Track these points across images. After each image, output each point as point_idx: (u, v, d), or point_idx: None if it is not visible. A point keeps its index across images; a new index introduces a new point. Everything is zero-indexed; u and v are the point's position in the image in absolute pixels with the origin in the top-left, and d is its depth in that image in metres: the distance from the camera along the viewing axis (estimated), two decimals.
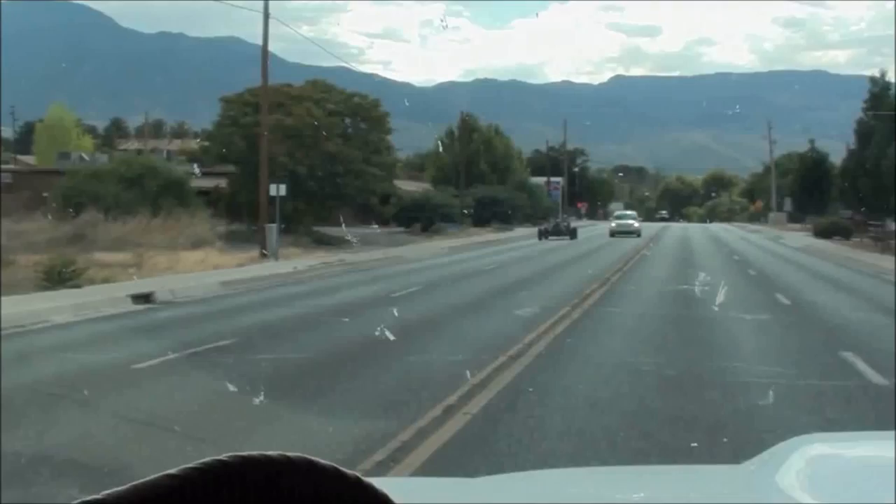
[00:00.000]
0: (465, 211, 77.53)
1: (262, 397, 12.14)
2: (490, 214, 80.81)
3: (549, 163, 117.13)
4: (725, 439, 10.27)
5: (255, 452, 1.16)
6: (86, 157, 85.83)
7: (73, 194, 55.23)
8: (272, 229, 42.98)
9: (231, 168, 66.14)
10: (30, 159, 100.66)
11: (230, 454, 1.15)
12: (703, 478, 3.41)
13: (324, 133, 61.74)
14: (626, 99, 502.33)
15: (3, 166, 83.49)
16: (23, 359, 14.74)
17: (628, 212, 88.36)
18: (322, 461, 1.16)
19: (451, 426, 10.92)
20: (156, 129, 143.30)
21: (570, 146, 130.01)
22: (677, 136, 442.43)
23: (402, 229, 74.23)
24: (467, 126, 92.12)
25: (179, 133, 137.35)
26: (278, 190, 41.71)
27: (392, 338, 17.47)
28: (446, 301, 25.22)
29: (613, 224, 77.76)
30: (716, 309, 23.39)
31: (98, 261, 41.50)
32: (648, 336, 19.25)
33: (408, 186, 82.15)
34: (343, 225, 58.38)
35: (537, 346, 17.08)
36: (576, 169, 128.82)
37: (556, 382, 13.76)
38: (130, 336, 18.92)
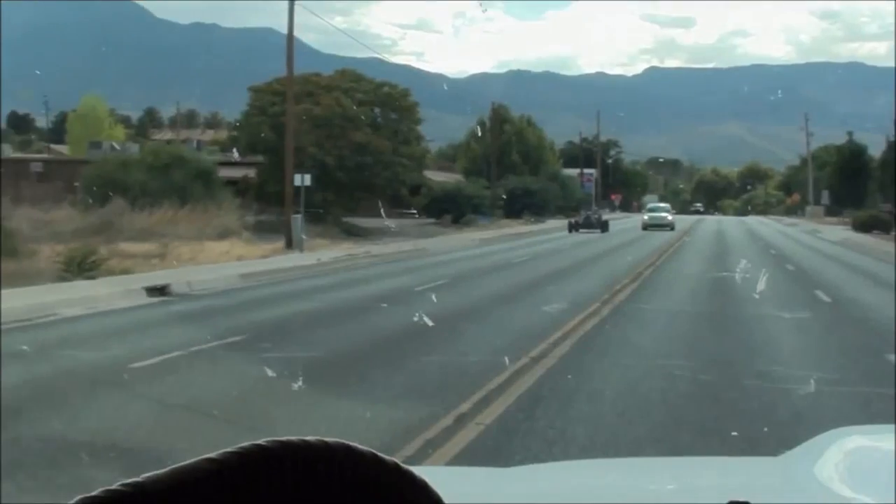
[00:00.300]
0: (497, 202, 76.54)
1: (272, 392, 11.25)
2: (522, 206, 79.73)
3: (582, 154, 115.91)
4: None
5: (294, 437, 1.15)
6: (117, 146, 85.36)
7: (100, 184, 54.57)
8: (297, 220, 42.15)
9: (260, 158, 65.45)
10: (64, 149, 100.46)
11: (269, 439, 1.14)
12: (741, 468, 3.43)
13: (353, 123, 60.91)
14: (660, 90, 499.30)
15: (35, 156, 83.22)
16: (11, 357, 13.88)
17: (661, 204, 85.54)
18: (361, 447, 1.16)
19: (462, 436, 10.01)
20: (189, 120, 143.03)
21: (603, 138, 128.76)
22: (712, 128, 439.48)
23: (432, 221, 73.35)
24: (498, 116, 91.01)
25: (212, 123, 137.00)
26: (303, 180, 40.85)
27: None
28: (471, 296, 24.30)
29: (646, 217, 74.91)
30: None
31: (122, 251, 40.94)
32: (681, 336, 18.27)
33: (438, 177, 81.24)
34: (382, 211, 57.56)
35: (562, 346, 16.13)
36: (609, 160, 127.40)
37: (581, 387, 12.83)
38: (135, 332, 18.13)
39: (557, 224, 76.15)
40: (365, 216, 72.25)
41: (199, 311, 21.88)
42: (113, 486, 1.08)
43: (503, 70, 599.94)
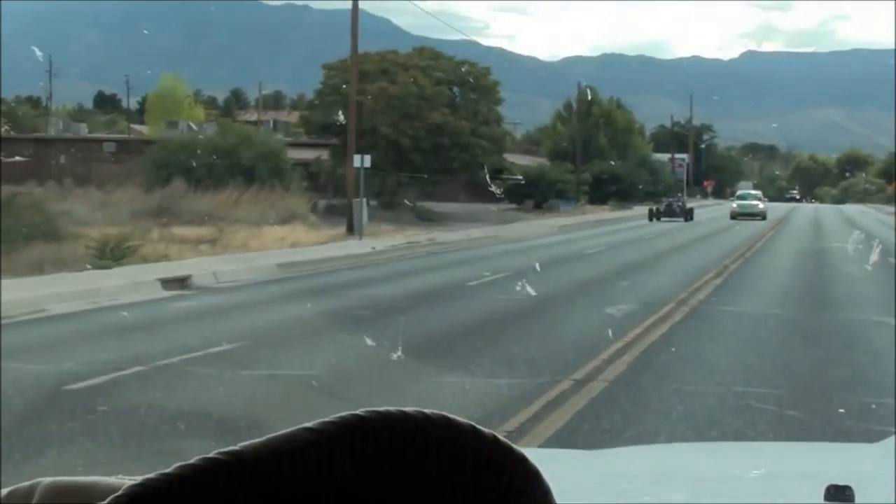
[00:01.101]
0: (581, 188, 73.24)
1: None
2: (608, 192, 76.36)
3: (673, 138, 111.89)
4: None
5: (392, 408, 1.14)
6: (194, 126, 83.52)
7: (164, 165, 52.49)
8: (360, 204, 39.38)
9: (334, 140, 63.04)
10: (146, 130, 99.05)
11: (368, 409, 1.14)
12: (840, 454, 3.47)
13: (429, 102, 58.10)
14: (757, 75, 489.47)
15: (108, 136, 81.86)
16: None
17: (752, 191, 78.67)
18: (460, 419, 1.14)
19: None
20: (276, 101, 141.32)
21: (696, 122, 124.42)
22: (810, 113, 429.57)
23: (514, 206, 70.37)
24: (585, 98, 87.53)
25: (298, 105, 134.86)
26: (362, 161, 37.93)
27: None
28: (528, 293, 21.37)
29: (735, 205, 69.28)
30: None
31: (174, 235, 38.85)
32: (767, 350, 15.13)
33: (522, 161, 78.08)
34: (462, 195, 54.97)
35: (617, 364, 13.15)
36: (702, 145, 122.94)
37: (629, 426, 9.86)
38: (102, 338, 15.53)
39: (644, 211, 72.76)
40: (443, 201, 69.63)
41: (202, 310, 19.32)
42: (210, 455, 1.07)
43: (597, 53, 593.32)
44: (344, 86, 58.97)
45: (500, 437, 1.15)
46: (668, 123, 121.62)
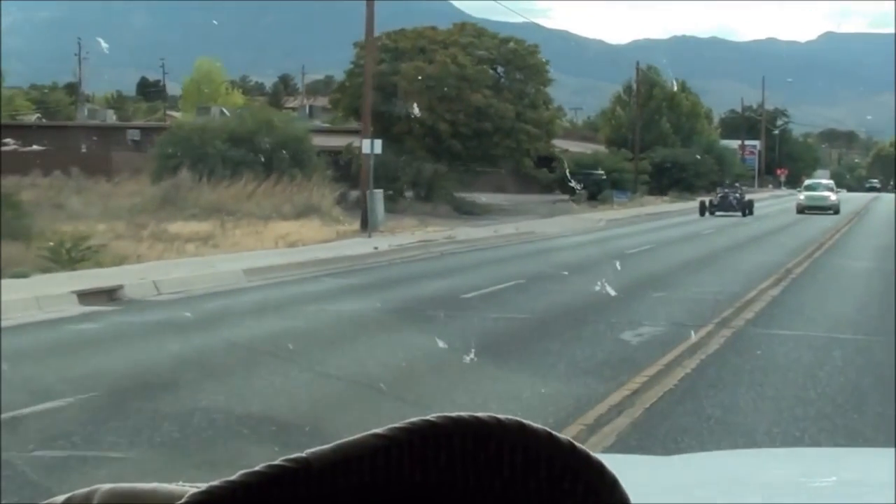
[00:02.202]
0: (640, 177, 68.05)
1: None
2: (670, 181, 71.02)
3: (744, 124, 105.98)
4: None
5: (464, 413, 1.12)
6: (227, 112, 79.61)
7: (172, 153, 48.22)
8: (376, 196, 34.77)
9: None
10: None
11: (439, 415, 1.12)
12: None
13: (470, 83, 53.33)
14: (836, 58, 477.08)
15: (132, 123, 78.44)
16: None
17: (823, 180, 69.33)
18: (535, 425, 1.11)
19: None
20: (326, 87, 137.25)
21: (769, 106, 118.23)
22: (892, 98, 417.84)
23: (566, 197, 65.42)
24: (648, 80, 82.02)
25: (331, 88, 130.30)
26: (372, 147, 32.94)
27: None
28: (531, 308, 16.76)
29: (801, 197, 60.00)
30: None
31: (165, 233, 34.70)
32: (832, 391, 10.34)
33: (576, 148, 73.04)
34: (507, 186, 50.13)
35: (622, 419, 8.50)
36: (775, 131, 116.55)
37: None
38: None
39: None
40: (489, 191, 64.85)
41: (92, 338, 14.81)
42: (276, 462, 1.05)
43: (667, 36, 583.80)
44: (381, 63, 54.50)
45: (577, 444, 1.11)
46: (738, 108, 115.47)
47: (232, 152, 48.27)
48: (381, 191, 36.26)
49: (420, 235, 32.53)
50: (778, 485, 2.88)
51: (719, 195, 55.99)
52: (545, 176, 58.73)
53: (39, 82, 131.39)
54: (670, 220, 47.13)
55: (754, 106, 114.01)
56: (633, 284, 19.92)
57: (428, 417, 1.10)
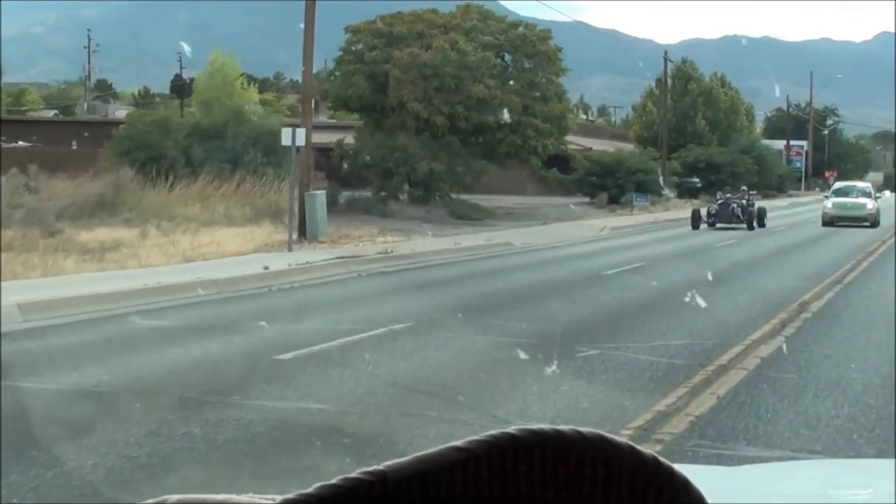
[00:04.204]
0: (670, 178, 61.52)
1: None
2: (705, 182, 64.32)
3: (790, 123, 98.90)
4: None
5: (545, 426, 1.10)
6: (252, 110, 74.24)
7: (130, 148, 42.58)
8: (315, 199, 28.59)
9: (355, 117, 52.81)
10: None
11: (519, 427, 1.09)
12: None
13: (472, 72, 47.17)
14: (891, 58, 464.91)
15: (118, 118, 73.28)
16: None
17: (858, 183, 55.24)
18: (617, 438, 1.09)
19: None
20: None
21: (819, 105, 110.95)
22: None
23: (586, 200, 59.09)
24: (681, 74, 75.29)
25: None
26: (293, 138, 26.23)
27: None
28: (353, 389, 10.49)
29: (829, 205, 46.63)
30: None
31: (74, 241, 29.14)
32: None
33: (606, 147, 66.60)
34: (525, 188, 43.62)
35: None
36: (824, 131, 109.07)
37: None
38: None
39: None
40: (503, 193, 58.72)
41: None
42: (352, 474, 1.05)
43: (718, 35, 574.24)
44: (374, 50, 48.51)
45: (661, 459, 1.08)
46: (784, 106, 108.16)
47: (195, 148, 42.61)
48: (322, 192, 30.20)
49: (362, 248, 26.34)
50: (856, 496, 2.77)
51: (719, 202, 43.86)
52: (554, 176, 52.32)
53: (75, 80, 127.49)
54: (686, 228, 40.08)
55: (802, 105, 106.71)
56: (569, 331, 13.61)
57: (508, 430, 1.06)
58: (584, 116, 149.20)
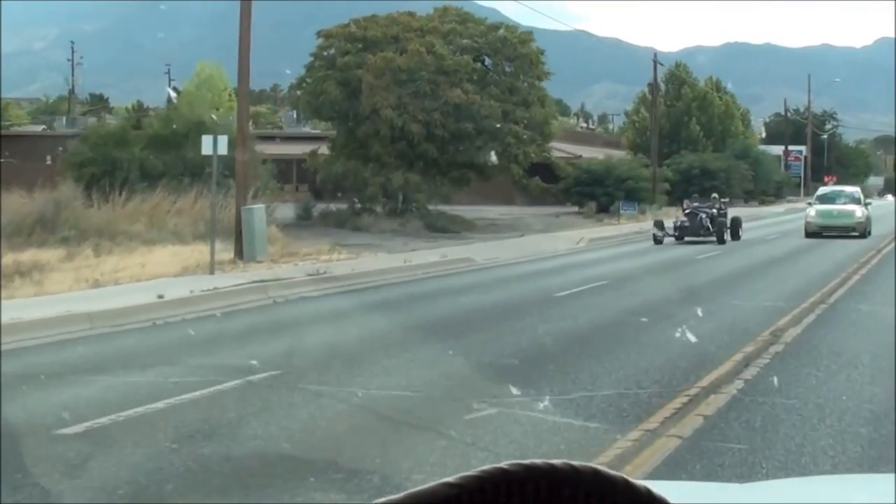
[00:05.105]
0: (662, 185, 59.08)
1: None
2: (699, 189, 61.83)
3: (789, 128, 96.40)
4: None
5: (538, 461, 1.10)
6: (216, 118, 71.96)
7: (84, 162, 40.28)
8: (253, 214, 26.17)
9: (327, 125, 50.46)
10: None
11: (511, 462, 1.10)
12: None
13: (449, 77, 44.83)
14: (891, 63, 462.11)
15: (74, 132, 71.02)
16: None
17: (846, 188, 48.67)
18: (611, 472, 1.09)
19: None
20: None
21: (818, 110, 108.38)
22: None
23: (575, 210, 56.71)
24: (674, 78, 72.80)
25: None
26: (215, 146, 23.83)
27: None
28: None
29: (812, 213, 41.26)
30: None
31: None
32: None
33: (597, 154, 64.14)
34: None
35: None
36: (823, 136, 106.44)
37: None
38: None
39: (738, 213, 58.44)
40: (490, 204, 56.41)
41: None
42: None
43: (719, 42, 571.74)
44: (346, 55, 46.15)
45: (654, 492, 1.07)
46: (789, 115, 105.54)
47: (152, 161, 40.22)
48: (261, 206, 27.71)
49: (294, 269, 23.81)
50: None
51: (686, 211, 38.27)
52: (537, 185, 49.85)
53: (80, 94, 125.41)
54: (669, 238, 36.34)
55: (801, 109, 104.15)
56: (475, 377, 11.17)
57: (500, 465, 1.06)
58: (584, 125, 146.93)
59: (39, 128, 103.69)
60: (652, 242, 34.97)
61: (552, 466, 1.04)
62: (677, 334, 13.67)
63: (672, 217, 42.07)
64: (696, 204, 38.92)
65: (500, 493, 1.02)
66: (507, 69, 48.09)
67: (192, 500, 7.07)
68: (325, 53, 47.58)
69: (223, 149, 23.69)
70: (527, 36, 48.74)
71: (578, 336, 14.55)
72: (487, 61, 48.52)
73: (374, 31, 46.99)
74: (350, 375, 11.18)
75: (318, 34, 48.53)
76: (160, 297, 17.88)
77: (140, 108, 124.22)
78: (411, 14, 49.00)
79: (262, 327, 15.99)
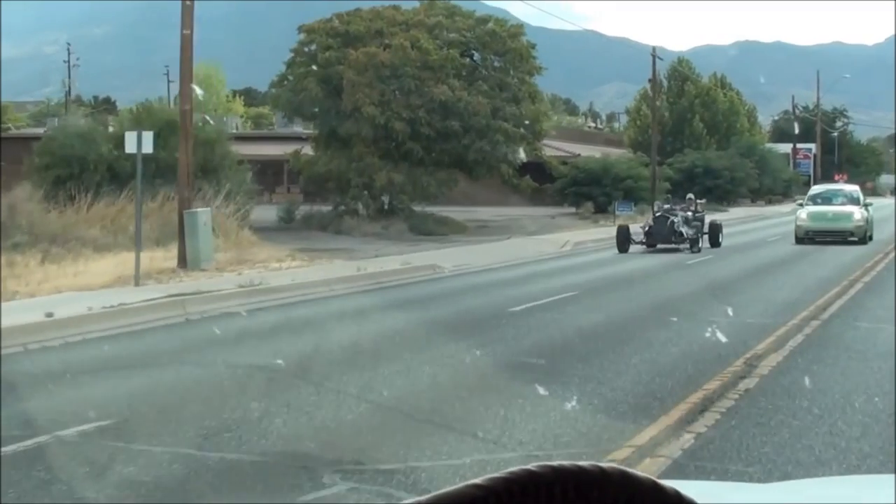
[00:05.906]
0: (663, 184, 56.84)
1: None
2: (701, 189, 59.68)
3: (799, 126, 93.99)
4: None
5: (566, 462, 1.10)
6: (210, 119, 70.16)
7: (49, 164, 38.32)
8: (197, 218, 24.08)
9: (309, 126, 48.40)
10: None
11: (539, 464, 1.09)
12: None
13: (435, 73, 42.77)
14: None
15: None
16: None
17: (844, 186, 43.89)
18: (639, 473, 1.09)
19: None
20: None
21: (828, 107, 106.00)
22: None
23: (572, 210, 54.63)
24: (677, 75, 70.56)
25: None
26: (139, 143, 21.65)
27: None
28: None
29: (803, 215, 36.74)
30: None
31: None
32: None
33: (591, 152, 61.99)
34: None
35: None
36: (834, 133, 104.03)
37: None
38: None
39: (742, 213, 56.31)
40: (485, 205, 54.38)
41: None
42: None
43: (730, 41, 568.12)
44: (328, 51, 44.10)
45: (683, 494, 1.07)
46: (799, 112, 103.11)
47: (121, 162, 38.21)
48: (206, 210, 25.68)
49: (224, 280, 21.64)
50: None
51: (656, 214, 34.42)
52: (527, 185, 47.69)
53: (85, 97, 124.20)
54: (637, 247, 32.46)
55: (810, 107, 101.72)
56: (351, 434, 9.03)
57: (528, 466, 1.06)
58: (591, 124, 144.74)
59: (40, 130, 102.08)
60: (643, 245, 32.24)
61: (580, 468, 1.02)
62: (633, 361, 11.42)
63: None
64: (667, 206, 35.01)
65: (528, 495, 0.99)
66: (497, 64, 46.01)
67: None
68: (307, 49, 45.59)
69: (148, 147, 21.67)
70: (517, 29, 46.67)
71: (511, 366, 12.09)
72: (476, 56, 46.45)
73: (357, 25, 44.96)
74: (187, 429, 8.98)
75: (300, 29, 46.52)
76: (48, 315, 15.73)
77: (147, 110, 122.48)
78: (396, 8, 46.93)
79: (142, 355, 13.80)
